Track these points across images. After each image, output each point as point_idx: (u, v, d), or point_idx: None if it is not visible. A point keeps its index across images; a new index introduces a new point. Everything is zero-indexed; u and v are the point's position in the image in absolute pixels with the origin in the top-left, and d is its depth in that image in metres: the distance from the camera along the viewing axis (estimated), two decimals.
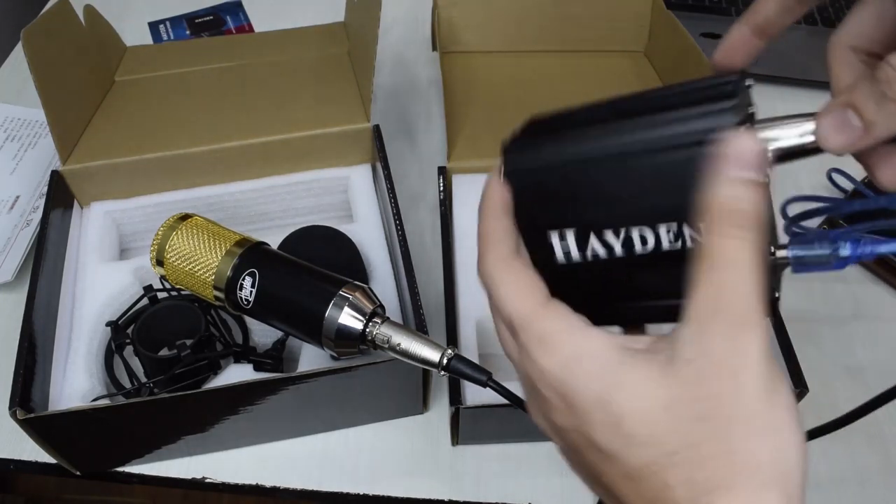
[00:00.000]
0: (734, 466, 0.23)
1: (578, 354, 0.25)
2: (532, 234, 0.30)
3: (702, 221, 0.25)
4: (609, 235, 0.28)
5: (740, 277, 0.24)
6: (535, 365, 0.26)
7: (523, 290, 0.27)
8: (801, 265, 0.28)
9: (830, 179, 0.64)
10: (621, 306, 0.30)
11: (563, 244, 0.29)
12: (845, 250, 0.27)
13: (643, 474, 0.24)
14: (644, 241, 0.28)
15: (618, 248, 0.28)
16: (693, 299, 0.24)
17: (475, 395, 0.47)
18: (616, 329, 0.29)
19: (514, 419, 0.45)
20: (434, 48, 0.77)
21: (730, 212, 0.24)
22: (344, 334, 0.43)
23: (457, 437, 0.51)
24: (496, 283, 0.28)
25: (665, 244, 0.28)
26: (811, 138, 0.27)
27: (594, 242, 0.29)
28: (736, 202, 0.24)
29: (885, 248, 0.27)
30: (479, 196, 0.59)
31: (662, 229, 0.27)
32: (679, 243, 0.27)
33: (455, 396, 0.47)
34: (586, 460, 0.26)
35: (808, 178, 0.68)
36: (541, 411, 0.28)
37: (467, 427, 0.49)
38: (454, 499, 0.49)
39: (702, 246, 0.25)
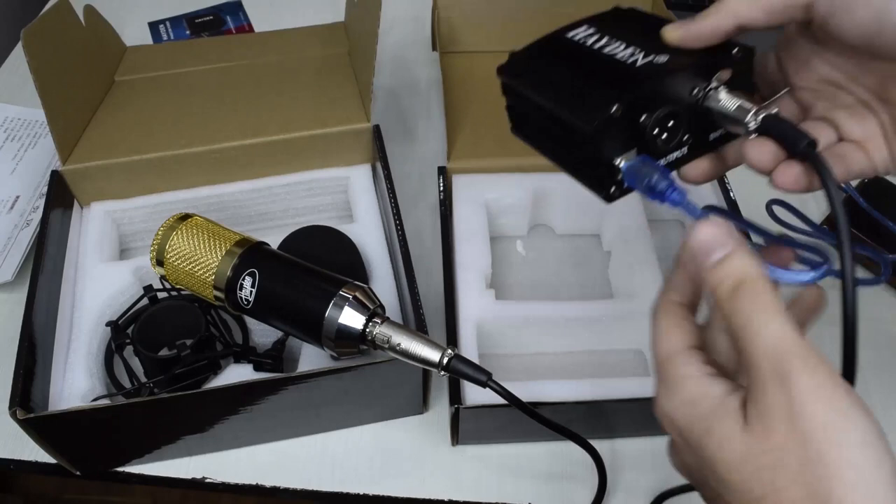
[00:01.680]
0: None
1: (689, 400, 0.28)
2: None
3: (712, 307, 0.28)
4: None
5: (762, 340, 0.26)
6: (662, 406, 0.29)
7: (670, 333, 0.30)
8: (630, 174, 0.33)
9: None
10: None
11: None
12: (662, 185, 0.32)
13: None
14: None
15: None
16: (746, 373, 0.27)
17: (475, 394, 0.47)
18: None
19: (514, 419, 0.45)
20: (434, 48, 0.77)
21: (726, 290, 0.27)
22: (344, 334, 0.43)
23: (457, 436, 0.51)
24: (654, 321, 0.31)
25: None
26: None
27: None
28: (723, 281, 0.27)
29: (683, 207, 0.32)
30: (477, 195, 0.59)
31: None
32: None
33: (455, 396, 0.47)
34: (709, 495, 0.29)
35: None
36: (673, 452, 0.31)
37: (467, 427, 0.49)
38: (454, 499, 0.49)
39: (730, 327, 0.28)
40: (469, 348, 0.50)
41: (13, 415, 0.42)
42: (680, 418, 0.28)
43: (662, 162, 0.35)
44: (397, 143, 0.72)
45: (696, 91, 0.34)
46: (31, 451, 0.50)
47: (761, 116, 0.33)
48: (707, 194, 0.61)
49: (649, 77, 0.33)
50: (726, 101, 0.33)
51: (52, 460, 0.49)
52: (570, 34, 0.38)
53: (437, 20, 0.73)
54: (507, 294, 0.60)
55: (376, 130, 0.60)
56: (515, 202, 0.61)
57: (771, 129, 0.32)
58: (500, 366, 0.54)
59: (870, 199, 0.64)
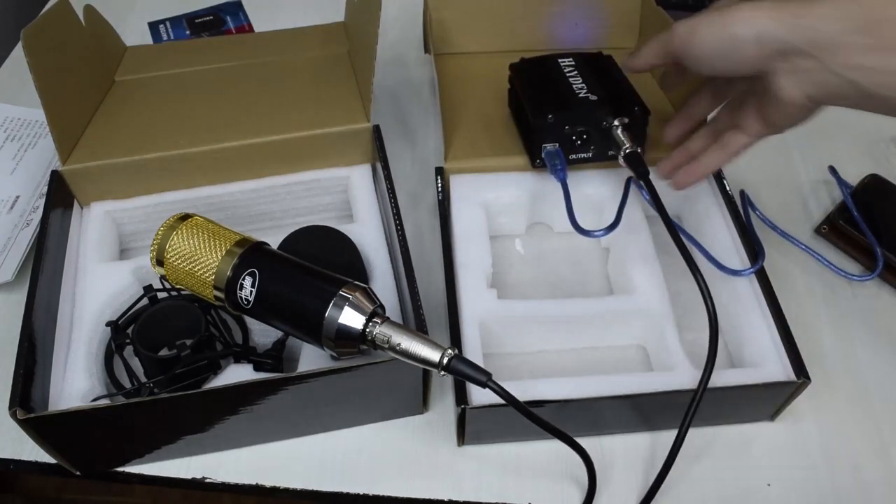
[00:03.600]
0: None
1: None
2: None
3: None
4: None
5: None
6: None
7: None
8: (547, 155, 0.57)
9: (833, 174, 0.65)
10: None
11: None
12: (554, 161, 0.57)
13: None
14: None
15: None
16: None
17: (480, 394, 0.47)
18: None
19: (518, 419, 0.45)
20: (426, 50, 0.77)
21: None
22: (344, 334, 0.43)
23: (463, 437, 0.50)
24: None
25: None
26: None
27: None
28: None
29: (563, 184, 0.57)
30: (475, 194, 0.59)
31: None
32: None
33: (461, 396, 0.47)
34: None
35: (808, 175, 0.69)
36: None
37: (473, 427, 0.49)
38: (454, 499, 0.49)
39: None
40: (473, 349, 0.50)
41: (13, 415, 0.42)
42: None
43: (573, 156, 0.57)
44: (397, 142, 0.72)
45: (605, 123, 0.55)
46: (31, 451, 0.50)
47: (627, 152, 0.54)
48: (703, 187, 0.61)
49: (580, 106, 0.56)
50: (617, 136, 0.55)
51: (52, 460, 0.49)
52: (560, 59, 0.60)
53: (430, 22, 0.72)
54: (507, 292, 0.59)
55: (376, 130, 0.60)
56: (513, 201, 0.61)
57: (628, 159, 0.55)
58: (505, 365, 0.54)
59: (870, 199, 0.64)
